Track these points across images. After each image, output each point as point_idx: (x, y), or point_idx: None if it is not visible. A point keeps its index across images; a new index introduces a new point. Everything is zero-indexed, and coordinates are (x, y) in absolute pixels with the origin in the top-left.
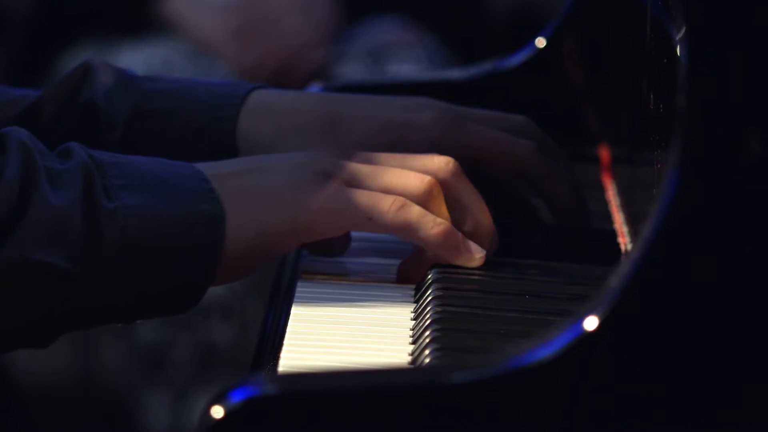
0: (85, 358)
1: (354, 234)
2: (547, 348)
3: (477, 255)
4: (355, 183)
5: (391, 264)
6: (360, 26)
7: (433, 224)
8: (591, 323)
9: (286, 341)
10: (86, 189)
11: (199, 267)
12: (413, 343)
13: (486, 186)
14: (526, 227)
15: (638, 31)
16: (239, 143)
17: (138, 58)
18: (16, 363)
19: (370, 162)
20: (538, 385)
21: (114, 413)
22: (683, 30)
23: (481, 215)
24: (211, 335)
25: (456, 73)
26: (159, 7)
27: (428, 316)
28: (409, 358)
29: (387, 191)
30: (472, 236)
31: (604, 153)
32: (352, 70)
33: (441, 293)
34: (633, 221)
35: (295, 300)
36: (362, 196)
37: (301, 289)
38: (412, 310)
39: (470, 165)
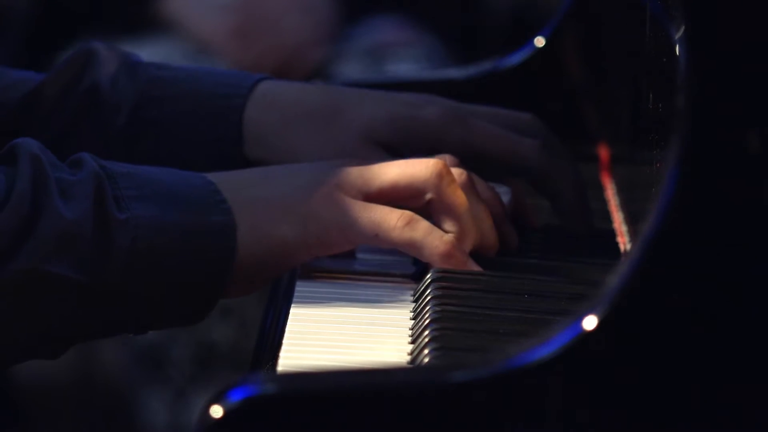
0: (84, 358)
1: None
2: (546, 347)
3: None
4: (365, 185)
5: (391, 261)
6: (359, 25)
7: (439, 242)
8: (590, 323)
9: (285, 340)
10: (97, 200)
11: (211, 277)
12: (412, 342)
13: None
14: (525, 227)
15: (637, 30)
16: (245, 133)
17: None
18: None
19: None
20: (537, 384)
21: (113, 412)
22: (682, 29)
23: (486, 225)
24: (211, 335)
25: (455, 73)
26: (159, 6)
27: (427, 315)
28: (408, 358)
29: (396, 185)
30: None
31: (603, 152)
32: (351, 69)
33: (440, 293)
34: (632, 220)
35: (294, 299)
36: (371, 211)
37: (300, 288)
38: (411, 309)
39: (474, 162)
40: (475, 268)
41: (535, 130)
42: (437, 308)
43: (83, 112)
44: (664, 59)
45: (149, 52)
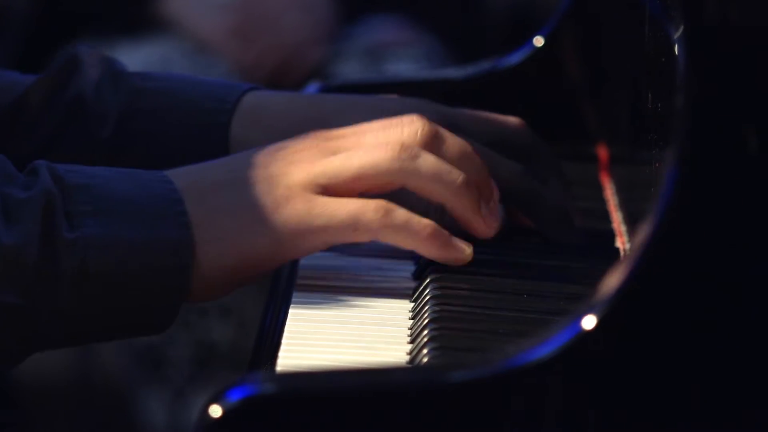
0: (83, 357)
1: None
2: (545, 347)
3: (466, 252)
4: (330, 180)
5: (389, 264)
6: (358, 25)
7: (419, 227)
8: (589, 322)
9: (284, 340)
10: (45, 221)
11: (167, 294)
12: (411, 342)
13: None
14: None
15: (637, 31)
16: (231, 151)
17: (137, 57)
18: None
19: (345, 140)
20: (537, 384)
21: (113, 412)
22: (681, 29)
23: (473, 163)
24: (210, 334)
25: (454, 72)
26: (158, 5)
27: (426, 315)
28: (407, 358)
29: (361, 177)
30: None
31: (603, 152)
32: (350, 68)
33: (439, 292)
34: (631, 220)
35: (293, 299)
36: (344, 206)
37: (299, 289)
38: (410, 309)
39: None
40: (461, 246)
41: (522, 135)
42: (436, 308)
43: (68, 120)
44: (663, 59)
45: (148, 51)
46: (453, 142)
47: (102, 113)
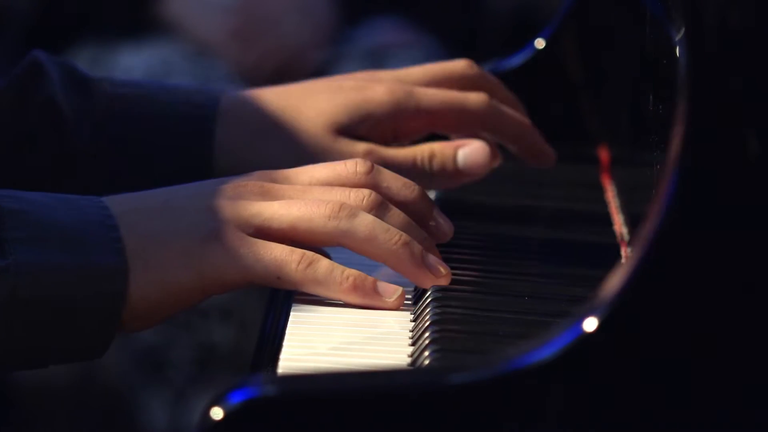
0: None
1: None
2: (546, 349)
3: (391, 299)
4: (263, 224)
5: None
6: (359, 27)
7: (341, 279)
8: (590, 324)
9: (285, 342)
10: None
11: (98, 323)
12: (413, 344)
13: None
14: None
15: (637, 32)
16: (217, 152)
17: (137, 59)
18: None
19: (292, 186)
20: (538, 386)
21: (113, 414)
22: (682, 30)
23: (415, 227)
24: (211, 336)
25: None
26: (159, 7)
27: (428, 317)
28: (408, 360)
29: (295, 230)
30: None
31: (604, 154)
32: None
33: (440, 294)
34: (632, 222)
35: (294, 301)
36: (270, 252)
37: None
38: (411, 311)
39: (429, 130)
40: (387, 292)
41: (474, 75)
42: (437, 310)
43: (40, 125)
44: (665, 61)
45: (149, 53)
46: (395, 212)
47: (76, 118)
